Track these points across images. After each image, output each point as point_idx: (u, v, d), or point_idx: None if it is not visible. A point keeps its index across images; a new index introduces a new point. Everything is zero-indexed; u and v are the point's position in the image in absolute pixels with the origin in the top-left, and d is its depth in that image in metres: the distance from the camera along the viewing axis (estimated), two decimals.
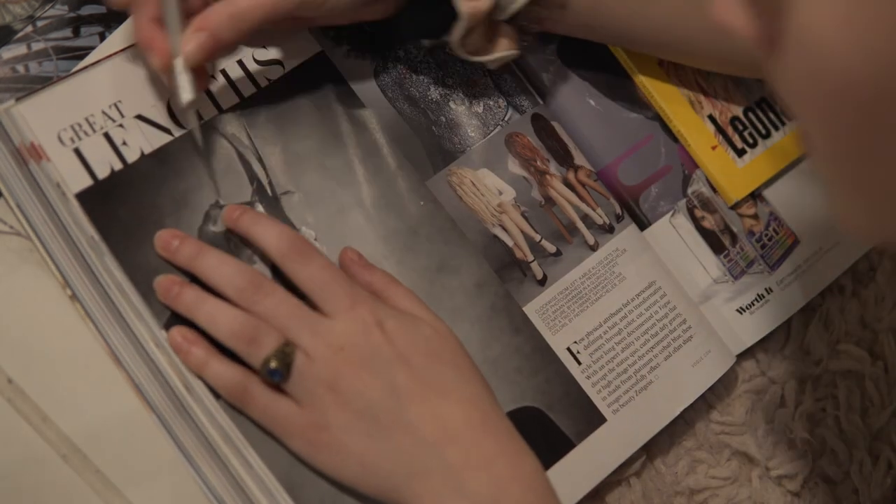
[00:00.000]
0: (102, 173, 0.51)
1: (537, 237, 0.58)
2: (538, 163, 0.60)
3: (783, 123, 0.66)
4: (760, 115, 0.66)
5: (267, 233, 0.50)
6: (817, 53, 0.27)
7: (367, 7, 0.53)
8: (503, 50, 0.55)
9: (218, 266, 0.49)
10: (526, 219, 0.58)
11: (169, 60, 0.48)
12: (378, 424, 0.46)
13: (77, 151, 0.51)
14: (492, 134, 0.59)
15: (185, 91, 0.49)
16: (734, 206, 0.64)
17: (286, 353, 0.47)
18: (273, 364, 0.47)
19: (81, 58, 0.57)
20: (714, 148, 0.64)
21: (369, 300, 0.49)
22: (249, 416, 0.48)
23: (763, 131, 0.66)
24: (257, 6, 0.48)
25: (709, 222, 0.63)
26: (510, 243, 0.57)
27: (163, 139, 0.53)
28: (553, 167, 0.60)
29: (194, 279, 0.50)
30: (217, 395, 0.49)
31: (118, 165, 0.52)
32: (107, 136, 0.52)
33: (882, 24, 0.25)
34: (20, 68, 0.57)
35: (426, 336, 0.49)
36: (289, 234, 0.50)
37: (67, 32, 0.58)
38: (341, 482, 0.48)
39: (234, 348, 0.48)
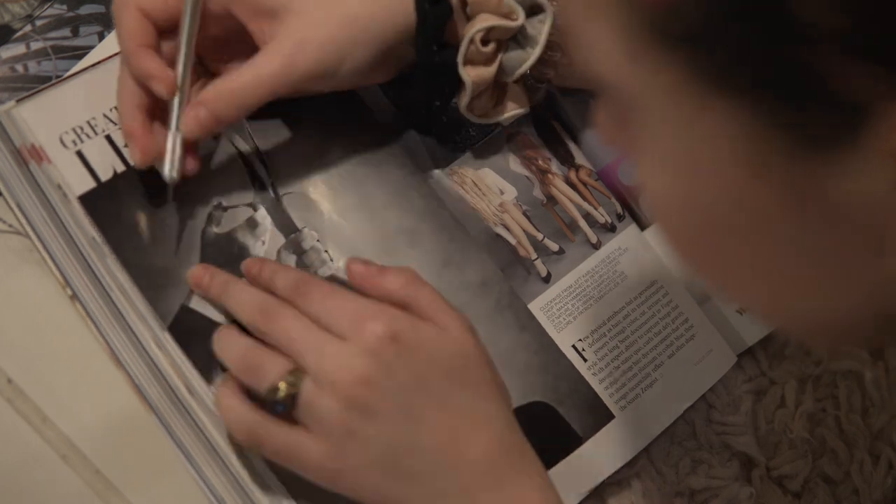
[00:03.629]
0: (105, 175, 0.52)
1: (540, 236, 0.58)
2: (540, 161, 0.60)
3: None
4: None
5: (274, 275, 0.49)
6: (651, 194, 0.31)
7: (369, 76, 0.53)
8: (511, 110, 0.56)
9: (236, 295, 0.49)
10: (528, 218, 0.59)
11: (147, 159, 0.49)
12: (393, 450, 0.45)
13: (79, 154, 0.51)
14: (493, 133, 0.60)
15: (172, 168, 0.49)
16: None
17: (292, 384, 0.45)
18: (281, 393, 0.45)
19: (80, 57, 0.58)
20: None
21: (383, 312, 0.46)
22: (264, 455, 0.48)
23: None
24: (259, 85, 0.48)
25: None
26: (513, 242, 0.58)
27: None
28: (555, 166, 0.60)
29: None
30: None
31: (121, 168, 0.52)
32: (108, 138, 0.52)
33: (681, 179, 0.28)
34: (19, 68, 0.57)
35: (445, 352, 0.47)
36: (293, 273, 0.50)
37: (66, 32, 0.59)
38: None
39: (238, 377, 0.47)
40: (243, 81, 0.48)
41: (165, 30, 0.50)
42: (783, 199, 0.26)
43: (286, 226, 0.54)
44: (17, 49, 0.57)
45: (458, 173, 0.59)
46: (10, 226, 0.52)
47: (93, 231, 0.50)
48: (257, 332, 0.47)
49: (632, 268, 0.60)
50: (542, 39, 0.52)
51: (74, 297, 0.50)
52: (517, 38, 0.52)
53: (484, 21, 0.50)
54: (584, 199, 0.60)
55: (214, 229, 0.53)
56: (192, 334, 0.50)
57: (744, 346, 0.62)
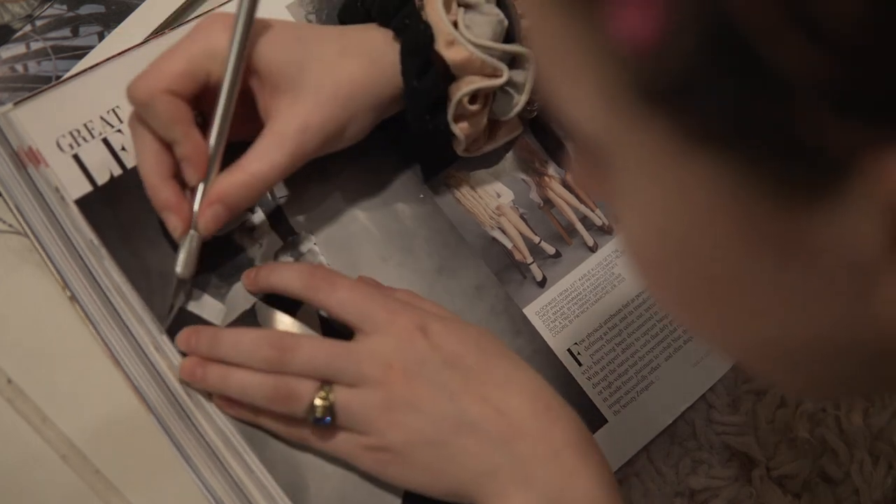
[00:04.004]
0: (102, 179, 0.52)
1: (536, 239, 0.59)
2: (537, 164, 0.60)
3: None
4: None
5: (286, 277, 0.50)
6: (625, 236, 0.31)
7: (368, 132, 0.54)
8: (505, 137, 0.58)
9: (235, 345, 0.48)
10: (525, 221, 0.59)
11: (188, 228, 0.49)
12: (440, 433, 0.46)
13: (76, 157, 0.52)
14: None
15: (187, 267, 0.50)
16: None
17: (325, 398, 0.47)
18: (317, 413, 0.47)
19: (80, 57, 0.58)
20: None
21: (407, 307, 0.49)
22: (312, 448, 0.49)
23: None
24: (270, 174, 0.49)
25: None
26: (509, 245, 0.58)
27: None
28: (552, 169, 0.60)
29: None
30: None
31: (117, 171, 0.52)
32: (105, 141, 0.53)
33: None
34: (19, 68, 0.57)
35: (473, 334, 0.49)
36: (307, 267, 0.51)
37: (66, 32, 0.59)
38: (412, 491, 0.48)
39: (276, 411, 0.48)
40: (255, 172, 0.48)
41: (195, 99, 0.50)
42: (765, 247, 0.26)
43: (284, 230, 0.55)
44: (17, 49, 0.58)
45: (455, 177, 0.59)
46: (11, 226, 0.52)
47: (90, 234, 0.50)
48: (275, 370, 0.48)
49: (629, 270, 0.60)
50: (528, 86, 0.53)
51: (73, 298, 0.50)
52: (504, 88, 0.53)
53: (469, 84, 0.52)
54: (581, 201, 0.60)
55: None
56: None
57: None
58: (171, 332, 0.50)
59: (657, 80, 0.23)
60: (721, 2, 0.21)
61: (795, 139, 0.22)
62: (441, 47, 0.51)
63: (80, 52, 0.58)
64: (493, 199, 0.59)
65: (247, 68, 0.49)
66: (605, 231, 0.60)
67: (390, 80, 0.51)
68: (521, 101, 0.54)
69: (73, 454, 0.49)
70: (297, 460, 0.49)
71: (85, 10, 0.59)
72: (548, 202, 0.60)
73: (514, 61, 0.53)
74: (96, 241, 0.50)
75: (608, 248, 0.60)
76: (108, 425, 0.50)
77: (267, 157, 0.48)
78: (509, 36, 0.53)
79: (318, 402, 0.47)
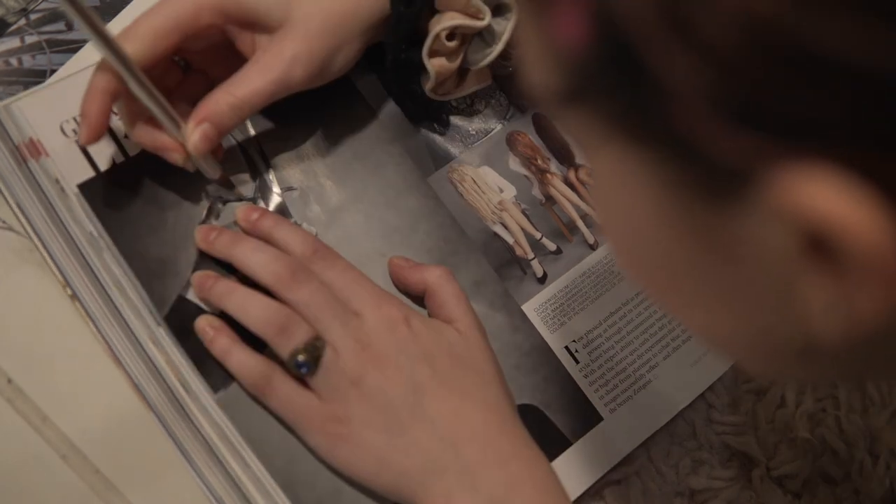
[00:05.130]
0: (104, 165, 0.52)
1: (538, 235, 0.59)
2: (539, 161, 0.61)
3: None
4: None
5: (290, 237, 0.52)
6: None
7: (353, 63, 0.55)
8: (472, 86, 0.59)
9: (253, 253, 0.50)
10: (527, 216, 0.59)
11: (185, 154, 0.50)
12: (397, 419, 0.48)
13: (79, 143, 0.52)
14: (493, 131, 0.60)
15: (212, 171, 0.52)
16: None
17: (316, 347, 0.48)
18: (301, 357, 0.48)
19: (75, 51, 0.58)
20: None
21: (395, 300, 0.51)
22: (270, 407, 0.50)
23: None
24: (256, 93, 0.50)
25: None
26: (510, 241, 0.58)
27: None
28: (554, 166, 0.61)
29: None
30: (216, 390, 0.50)
31: (120, 158, 0.52)
32: (109, 128, 0.53)
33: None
34: (13, 61, 0.57)
35: (451, 341, 0.51)
36: (312, 238, 0.52)
37: (61, 25, 0.59)
38: (356, 480, 0.49)
39: (263, 336, 0.49)
40: (242, 97, 0.50)
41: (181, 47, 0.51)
42: (693, 239, 0.27)
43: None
44: (12, 43, 0.58)
45: (458, 171, 0.59)
46: (10, 226, 0.52)
47: (90, 224, 0.51)
48: (279, 294, 0.49)
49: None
50: (505, 37, 0.54)
51: (74, 296, 0.50)
52: (482, 34, 0.54)
53: (450, 19, 0.53)
54: (583, 199, 0.61)
55: (213, 222, 0.53)
56: (187, 326, 0.51)
57: None
58: (169, 322, 0.51)
59: (576, 80, 0.25)
60: (613, 11, 0.23)
61: (689, 145, 0.23)
62: None
63: (74, 46, 0.58)
64: (496, 194, 0.59)
65: (219, 15, 0.50)
66: None
67: (378, 4, 0.52)
68: (495, 51, 0.55)
69: (73, 454, 0.49)
70: (295, 454, 0.50)
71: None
72: (549, 199, 0.60)
73: (497, 8, 0.54)
74: (95, 232, 0.51)
75: (609, 246, 0.60)
76: (108, 425, 0.50)
77: (252, 84, 0.50)
78: None
79: (307, 347, 0.48)
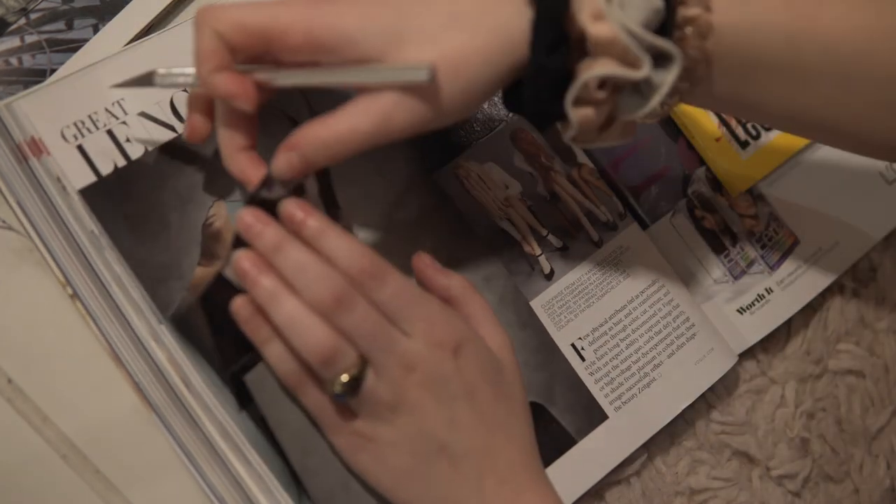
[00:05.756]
0: (106, 170, 0.52)
1: (544, 231, 0.59)
2: (542, 159, 0.61)
3: None
4: None
5: (339, 250, 0.46)
6: None
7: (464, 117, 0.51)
8: (615, 139, 0.49)
9: (301, 268, 0.46)
10: (532, 213, 0.59)
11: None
12: (426, 450, 0.47)
13: (80, 148, 0.52)
14: (497, 129, 0.60)
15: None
16: (736, 199, 0.65)
17: (356, 379, 0.46)
18: (338, 389, 0.46)
19: (75, 50, 0.58)
20: (718, 140, 0.65)
21: (449, 321, 0.48)
22: (301, 402, 0.49)
23: None
24: (352, 140, 0.45)
25: (709, 222, 0.65)
26: (517, 237, 0.59)
27: (166, 136, 0.54)
28: (557, 164, 0.61)
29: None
30: (216, 390, 0.50)
31: (122, 162, 0.52)
32: (110, 133, 0.53)
33: None
34: (13, 61, 0.57)
35: (493, 365, 0.50)
36: (364, 252, 0.47)
37: (61, 25, 0.59)
38: (371, 485, 0.49)
39: (307, 360, 0.47)
40: (338, 133, 0.45)
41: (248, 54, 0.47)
42: None
43: (330, 203, 0.55)
44: (12, 42, 0.57)
45: (464, 167, 0.59)
46: (10, 225, 0.52)
47: (91, 224, 0.51)
48: (324, 313, 0.46)
49: (633, 266, 0.60)
50: (664, 90, 0.45)
51: (75, 295, 0.50)
52: (638, 84, 0.46)
53: (603, 67, 0.45)
54: (587, 196, 0.61)
55: (216, 224, 0.53)
56: (190, 327, 0.51)
57: (745, 346, 0.63)
58: (173, 322, 0.51)
59: None
60: None
61: None
62: (585, 18, 0.44)
63: (74, 46, 0.58)
64: (502, 190, 0.59)
65: (311, 45, 0.44)
66: (609, 227, 0.61)
67: (512, 51, 0.45)
68: (650, 104, 0.46)
69: (73, 454, 0.49)
70: (303, 445, 0.50)
71: (79, 2, 0.59)
72: (554, 196, 0.60)
73: (659, 58, 0.45)
74: (97, 231, 0.51)
75: (613, 244, 0.61)
76: (108, 425, 0.50)
77: (353, 122, 0.45)
78: (663, 29, 0.45)
79: (346, 376, 0.46)
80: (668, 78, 0.45)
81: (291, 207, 0.47)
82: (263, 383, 0.50)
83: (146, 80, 0.50)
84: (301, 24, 0.44)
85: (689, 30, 0.44)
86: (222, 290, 0.48)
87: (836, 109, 0.50)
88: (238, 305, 0.47)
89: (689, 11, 0.44)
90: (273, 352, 0.48)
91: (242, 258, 0.46)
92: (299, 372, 0.48)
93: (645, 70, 0.44)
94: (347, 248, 0.46)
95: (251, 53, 0.46)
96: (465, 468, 0.48)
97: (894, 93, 0.48)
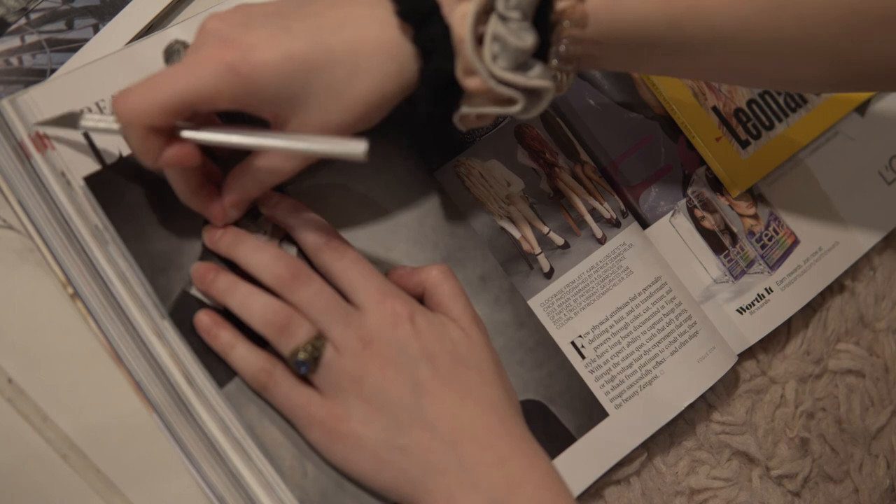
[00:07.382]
0: (111, 158, 0.52)
1: (545, 229, 0.59)
2: (547, 155, 0.61)
3: (786, 115, 0.68)
4: (764, 106, 0.68)
5: (302, 225, 0.52)
6: None
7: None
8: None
9: (254, 253, 0.51)
10: (534, 210, 0.59)
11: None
12: (397, 419, 0.48)
13: (86, 135, 0.52)
14: (501, 125, 0.61)
15: None
16: (736, 199, 0.66)
17: (316, 347, 0.49)
18: (302, 356, 0.49)
19: (75, 50, 0.58)
20: (718, 139, 0.66)
21: (401, 295, 0.51)
22: (271, 402, 0.51)
23: (766, 122, 0.67)
24: (280, 174, 0.50)
25: (709, 222, 0.65)
26: (517, 235, 0.59)
27: None
28: (562, 160, 0.61)
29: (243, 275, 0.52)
30: (221, 385, 0.50)
31: (126, 151, 0.53)
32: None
33: None
34: (14, 60, 0.57)
35: (453, 338, 0.51)
36: (324, 226, 0.52)
37: (61, 25, 0.59)
38: (354, 477, 0.50)
39: (264, 335, 0.50)
40: (262, 168, 0.50)
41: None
42: None
43: None
44: (12, 42, 0.58)
45: (466, 164, 0.59)
46: (10, 224, 0.52)
47: (95, 217, 0.51)
48: (280, 291, 0.50)
49: (636, 264, 0.61)
50: (539, 109, 0.50)
51: (75, 294, 0.50)
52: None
53: (481, 106, 0.49)
54: (590, 193, 0.61)
55: None
56: (191, 321, 0.51)
57: (745, 345, 0.63)
58: (173, 317, 0.51)
59: None
60: None
61: None
62: (459, 72, 0.48)
63: (74, 45, 0.58)
64: (504, 187, 0.60)
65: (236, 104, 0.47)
66: (613, 224, 0.61)
67: (409, 83, 0.49)
68: (531, 113, 0.50)
69: (73, 454, 0.49)
70: (298, 447, 0.50)
71: (79, 2, 0.60)
72: (558, 192, 0.61)
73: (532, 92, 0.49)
74: (100, 224, 0.51)
75: (616, 241, 0.61)
76: (108, 424, 0.50)
77: (274, 162, 0.50)
78: (541, 19, 0.48)
79: (307, 347, 0.49)
80: (542, 106, 0.49)
81: (267, 195, 0.53)
82: (243, 396, 0.51)
83: (70, 120, 0.51)
84: (221, 86, 0.46)
85: (566, 23, 0.48)
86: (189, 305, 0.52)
87: (725, 72, 0.55)
88: (198, 318, 0.51)
89: (560, 5, 0.47)
90: (238, 355, 0.50)
91: (198, 266, 0.52)
92: (265, 368, 0.50)
93: (519, 104, 0.48)
94: (312, 223, 0.52)
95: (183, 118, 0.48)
96: (439, 433, 0.48)
97: (773, 51, 0.51)
